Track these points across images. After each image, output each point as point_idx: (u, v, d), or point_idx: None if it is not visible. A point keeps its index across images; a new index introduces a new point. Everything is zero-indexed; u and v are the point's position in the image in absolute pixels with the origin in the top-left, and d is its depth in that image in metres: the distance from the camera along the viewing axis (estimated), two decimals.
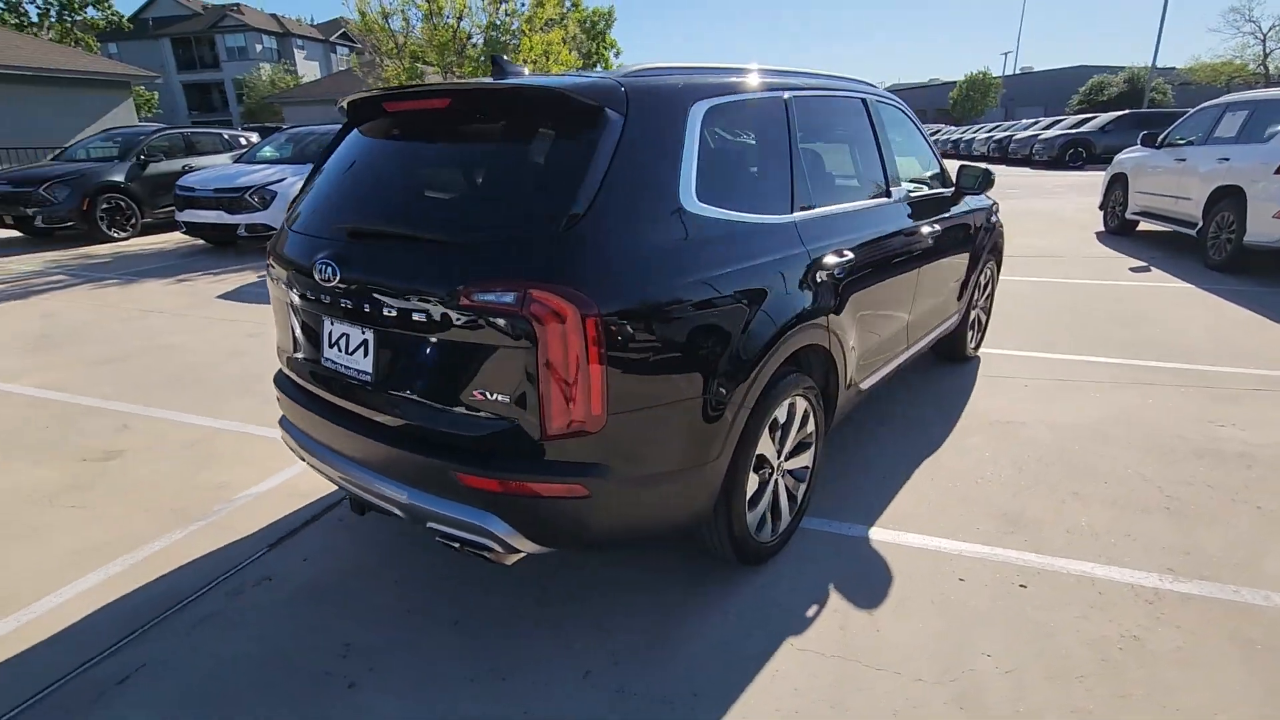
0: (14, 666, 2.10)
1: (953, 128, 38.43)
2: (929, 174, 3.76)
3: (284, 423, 2.45)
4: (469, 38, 11.93)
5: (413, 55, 11.98)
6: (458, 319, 1.77)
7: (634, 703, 1.93)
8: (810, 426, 2.60)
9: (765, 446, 2.32)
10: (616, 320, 1.75)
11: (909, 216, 3.21)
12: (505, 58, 2.65)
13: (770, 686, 1.98)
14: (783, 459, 2.49)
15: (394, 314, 1.87)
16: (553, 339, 1.70)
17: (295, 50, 54.33)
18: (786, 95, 2.54)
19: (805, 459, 2.64)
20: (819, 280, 2.43)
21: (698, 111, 2.10)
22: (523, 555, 1.94)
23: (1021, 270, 7.38)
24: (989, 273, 4.56)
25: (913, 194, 3.41)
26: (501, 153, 2.00)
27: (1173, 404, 3.88)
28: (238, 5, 52.29)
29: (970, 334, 4.50)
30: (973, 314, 4.43)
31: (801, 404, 2.49)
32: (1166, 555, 2.53)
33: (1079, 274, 7.18)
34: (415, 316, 1.83)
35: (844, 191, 2.90)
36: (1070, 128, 22.75)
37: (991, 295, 4.76)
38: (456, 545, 1.94)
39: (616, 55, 26.60)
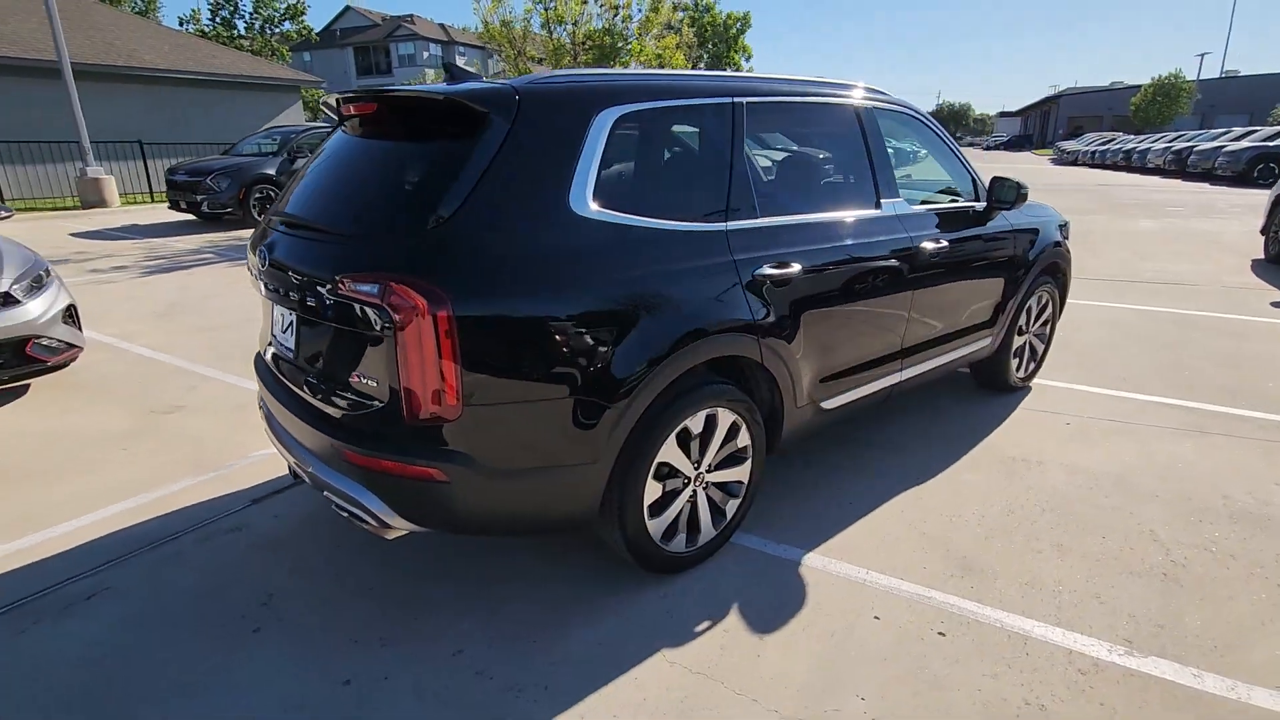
0: (15, 574, 2.53)
1: (1129, 137, 34.59)
2: (952, 187, 3.51)
3: (260, 401, 2.75)
4: (583, 43, 12.37)
5: (531, 60, 12.62)
6: (339, 306, 1.93)
7: (487, 685, 2.00)
8: (744, 441, 2.54)
9: (671, 455, 2.30)
10: (474, 317, 1.84)
11: (905, 231, 3.01)
12: (472, 64, 2.79)
13: (620, 693, 1.98)
14: (704, 470, 2.46)
15: (301, 298, 2.07)
16: (409, 330, 1.81)
17: (457, 56, 58.49)
18: (737, 101, 2.50)
19: (739, 473, 2.58)
20: (751, 291, 2.37)
21: (606, 118, 2.12)
22: (403, 532, 2.08)
23: (1138, 297, 6.61)
24: (1044, 297, 4.15)
25: (917, 207, 3.20)
26: (402, 154, 2.13)
27: (1236, 459, 3.35)
28: (411, 16, 57.11)
29: (1016, 362, 4.12)
30: (1018, 340, 4.05)
31: (727, 416, 2.44)
32: (1131, 625, 2.23)
33: (1207, 306, 6.31)
34: (310, 301, 2.01)
35: (809, 202, 2.79)
36: (1264, 139, 19.78)
37: (1051, 322, 4.33)
38: (346, 515, 2.11)
39: (748, 60, 26.41)
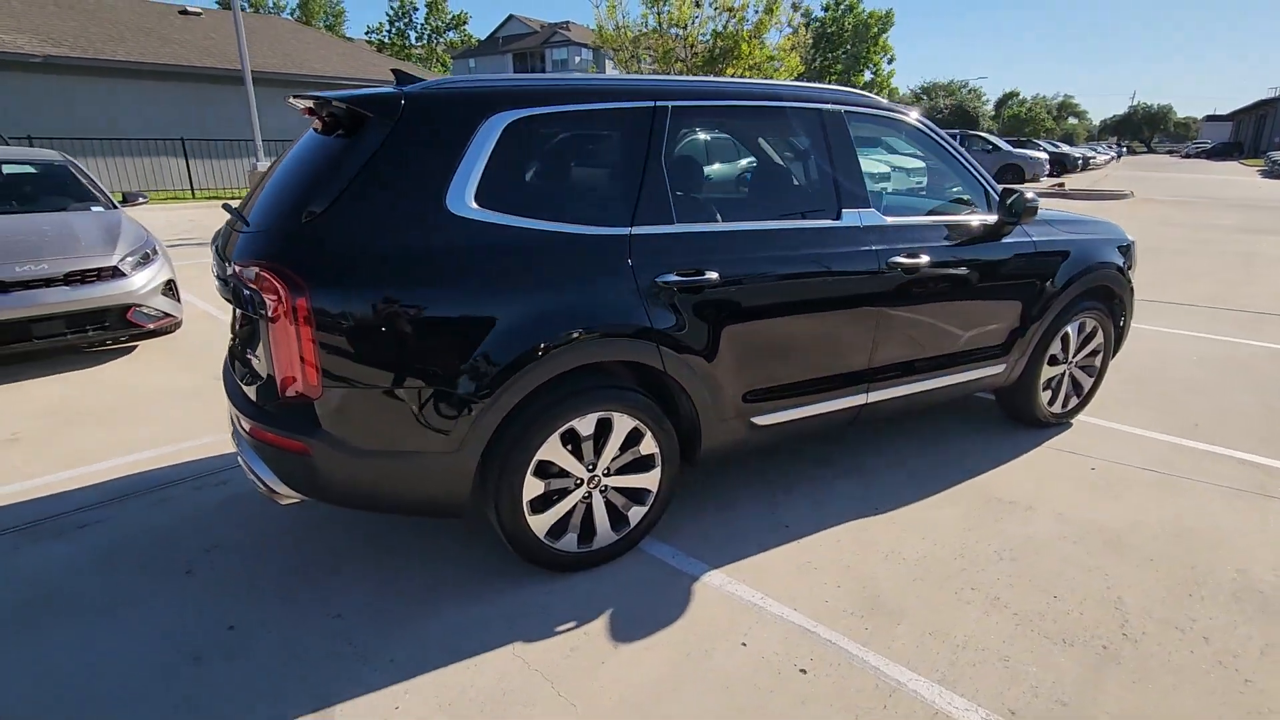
0: (39, 501, 3.03)
1: None
2: (953, 199, 3.22)
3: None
4: (692, 46, 12.41)
5: (644, 63, 12.85)
6: (237, 292, 2.15)
7: (343, 650, 2.15)
8: (649, 448, 2.51)
9: (555, 454, 2.34)
10: (333, 305, 1.99)
11: (873, 244, 2.82)
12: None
13: (452, 676, 2.05)
14: (600, 474, 2.46)
15: (226, 286, 2.32)
16: (274, 314, 2.00)
17: (606, 61, 60.59)
18: (660, 105, 2.46)
19: (645, 480, 2.56)
20: (651, 298, 2.35)
21: (497, 122, 2.19)
22: (295, 498, 2.27)
23: (1248, 330, 5.66)
24: (1090, 325, 3.68)
25: (898, 219, 2.97)
26: (312, 154, 2.30)
27: (1276, 528, 2.82)
28: (566, 24, 59.74)
29: (1049, 395, 3.69)
30: (1050, 371, 3.63)
31: (625, 420, 2.43)
32: (1026, 697, 1.97)
33: None
34: (231, 288, 2.25)
35: (743, 210, 2.69)
36: None
37: (1103, 353, 3.83)
38: (250, 480, 2.34)
39: (890, 61, 25.08)
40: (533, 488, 2.33)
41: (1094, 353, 3.82)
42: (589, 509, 2.50)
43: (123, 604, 2.36)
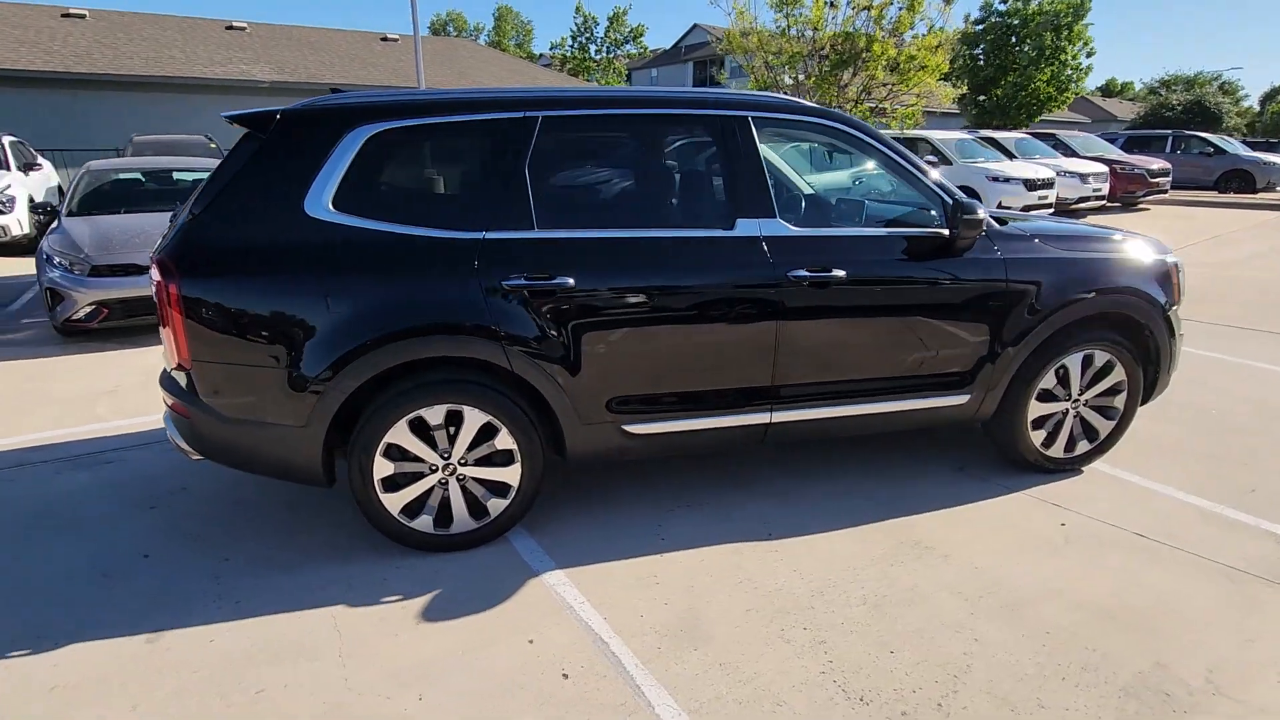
0: (95, 439, 3.77)
1: None
2: (887, 208, 2.94)
3: None
4: (821, 49, 11.92)
5: (770, 66, 12.60)
6: None
7: (206, 589, 2.50)
8: (505, 444, 2.62)
9: (404, 439, 2.52)
10: (199, 292, 2.34)
11: (771, 256, 2.68)
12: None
13: (270, 625, 2.31)
14: (455, 463, 2.61)
15: None
16: (159, 296, 2.39)
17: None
18: (531, 115, 2.55)
19: (505, 475, 2.67)
20: (499, 300, 2.46)
21: (361, 134, 2.43)
22: (197, 456, 2.67)
23: None
24: (1103, 359, 3.16)
25: (811, 230, 2.79)
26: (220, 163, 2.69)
27: (1265, 624, 2.26)
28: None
29: (1042, 435, 3.22)
30: (1044, 408, 3.17)
31: (477, 415, 2.56)
32: None
33: None
34: None
35: (615, 218, 2.67)
36: None
37: (1127, 392, 3.25)
38: (169, 436, 2.77)
39: (1089, 56, 22.10)
40: (383, 468, 2.54)
41: (1111, 392, 3.26)
42: (446, 495, 2.66)
43: (89, 524, 2.92)
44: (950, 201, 2.89)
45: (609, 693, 2.01)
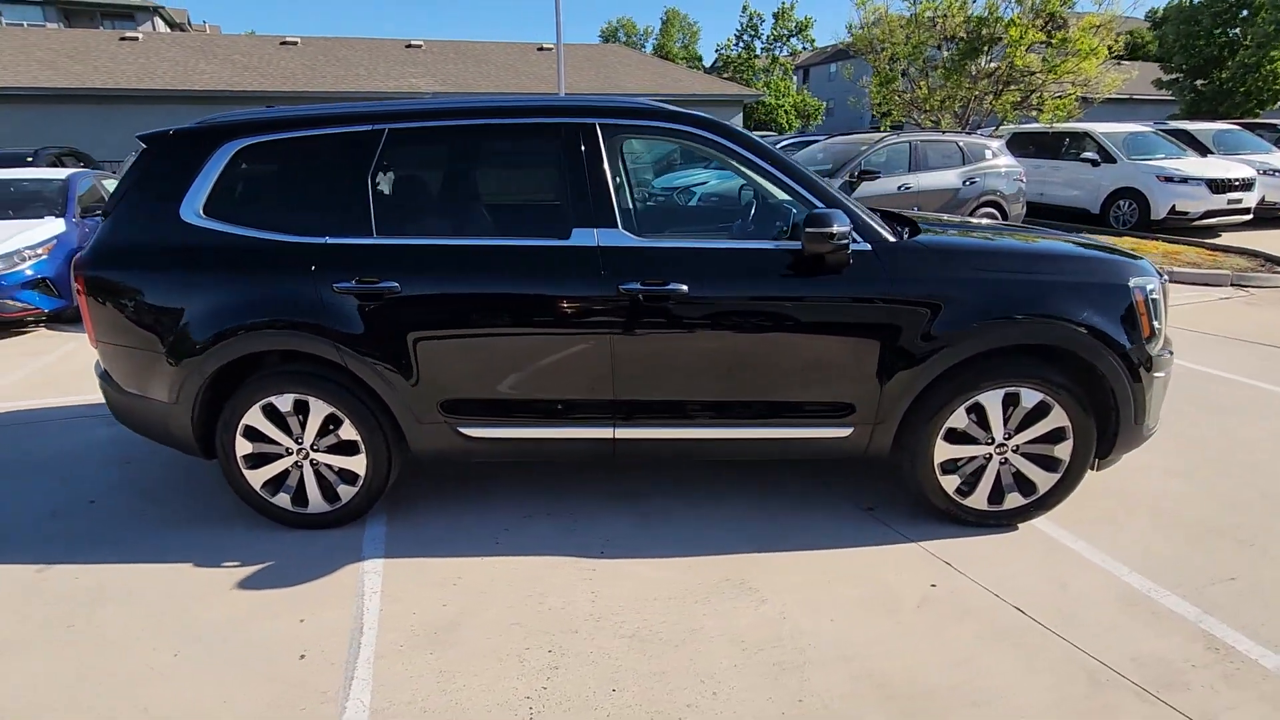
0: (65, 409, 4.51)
1: None
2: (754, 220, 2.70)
3: None
4: (952, 35, 10.77)
5: (891, 60, 11.64)
6: None
7: (108, 537, 2.95)
8: (349, 434, 2.80)
9: (258, 422, 2.79)
10: (95, 284, 2.77)
11: (604, 267, 2.61)
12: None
13: (119, 571, 2.68)
14: (307, 447, 2.84)
15: None
16: (75, 286, 2.86)
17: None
18: (378, 128, 2.70)
19: (352, 463, 2.85)
20: (332, 301, 2.64)
21: (229, 148, 2.72)
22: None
23: None
24: (1033, 400, 2.69)
25: (653, 241, 2.67)
26: None
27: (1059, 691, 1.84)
28: None
29: (954, 481, 2.81)
30: (959, 451, 2.76)
31: (321, 405, 2.76)
32: None
33: None
34: None
35: (460, 225, 2.72)
36: None
37: (1073, 443, 2.73)
38: None
39: None
40: (243, 446, 2.83)
41: (1050, 439, 2.76)
42: (301, 477, 2.90)
43: (70, 469, 3.53)
44: (800, 212, 2.62)
45: (324, 680, 2.12)
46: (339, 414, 2.78)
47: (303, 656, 2.22)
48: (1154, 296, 2.74)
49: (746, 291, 2.65)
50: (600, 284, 2.61)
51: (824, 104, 39.71)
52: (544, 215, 2.74)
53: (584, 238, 2.65)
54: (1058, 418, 2.72)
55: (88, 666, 2.19)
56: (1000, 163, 9.29)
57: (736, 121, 21.76)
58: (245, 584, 2.60)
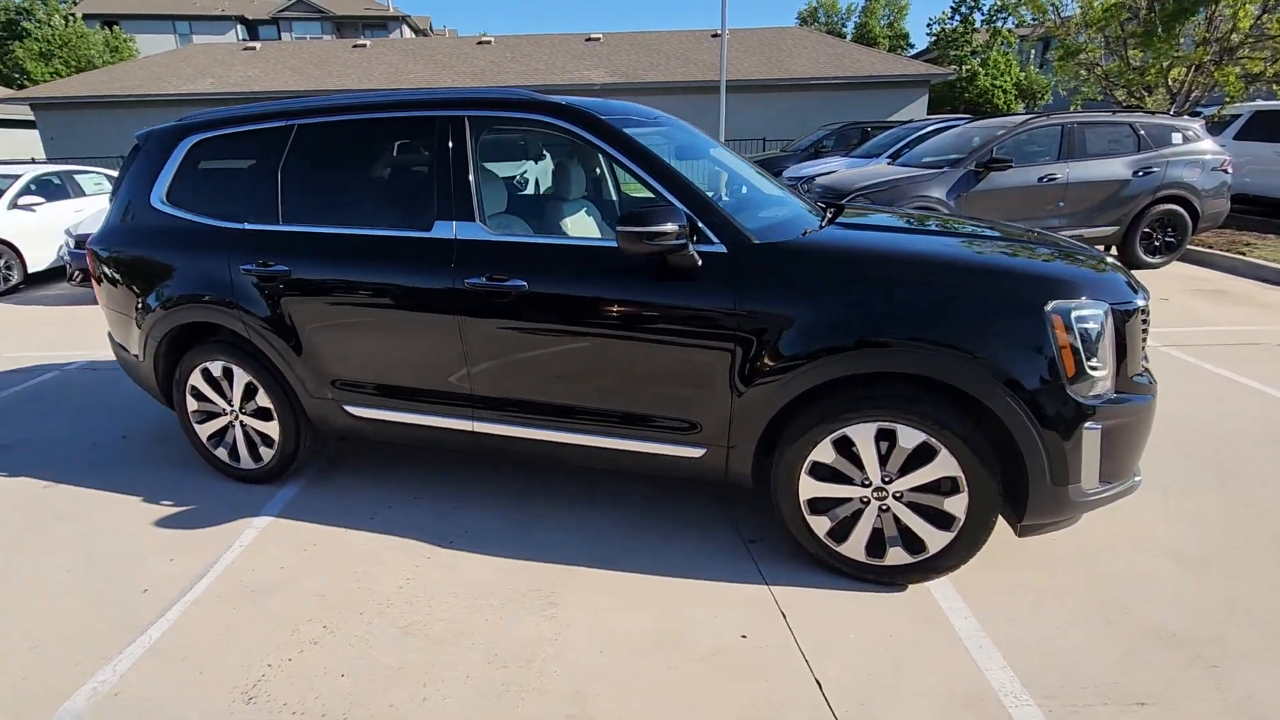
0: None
1: None
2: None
3: None
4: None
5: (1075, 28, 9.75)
6: None
7: (118, 482, 3.57)
8: (265, 402, 3.12)
9: (200, 384, 3.20)
10: (98, 259, 3.34)
11: (457, 260, 2.62)
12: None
13: (89, 496, 3.24)
14: (237, 409, 3.20)
15: None
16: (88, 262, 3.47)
17: None
18: (291, 124, 2.93)
19: (269, 429, 3.17)
20: (241, 280, 2.95)
21: (186, 143, 3.12)
22: None
23: None
24: (917, 440, 2.25)
25: (513, 236, 2.61)
26: None
27: None
28: None
29: (838, 529, 2.44)
30: (846, 494, 2.39)
31: (243, 375, 3.10)
32: None
33: None
34: None
35: (348, 215, 2.84)
36: None
37: (970, 496, 2.25)
38: None
39: None
40: (190, 403, 3.27)
41: (940, 490, 2.29)
42: (234, 434, 3.27)
43: (125, 410, 4.29)
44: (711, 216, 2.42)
45: (142, 614, 2.41)
46: (255, 383, 3.10)
47: (145, 591, 2.54)
48: (1087, 326, 2.14)
49: (583, 290, 2.50)
50: (450, 277, 2.63)
51: (1051, 80, 34.76)
52: (415, 207, 2.79)
53: (443, 230, 2.68)
54: (946, 465, 2.24)
55: None
56: (1194, 149, 7.56)
57: (921, 105, 19.91)
58: (160, 523, 3.02)
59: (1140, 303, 2.32)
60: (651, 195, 2.51)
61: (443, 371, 2.76)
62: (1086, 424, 2.15)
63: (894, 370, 2.24)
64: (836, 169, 10.00)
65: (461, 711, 1.96)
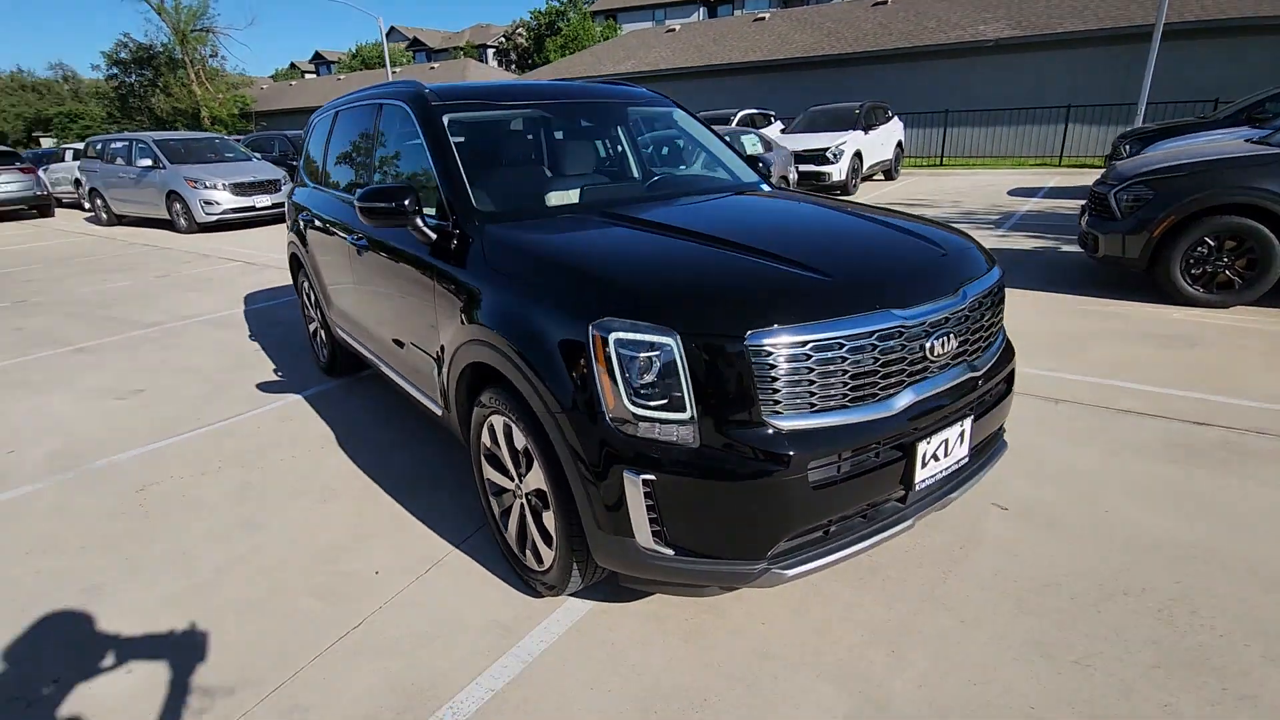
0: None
1: None
2: None
3: None
4: None
5: None
6: None
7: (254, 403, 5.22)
8: None
9: None
10: None
11: (357, 215, 3.08)
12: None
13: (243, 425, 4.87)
14: None
15: None
16: None
17: None
18: (337, 109, 3.82)
19: None
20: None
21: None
22: None
23: None
24: (520, 443, 2.14)
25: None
26: None
27: None
28: None
29: (517, 527, 2.37)
30: (513, 489, 2.32)
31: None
32: None
33: None
34: None
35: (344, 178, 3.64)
36: None
37: (554, 509, 2.06)
38: None
39: None
40: None
41: (538, 497, 2.13)
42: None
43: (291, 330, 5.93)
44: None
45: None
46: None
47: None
48: (640, 354, 1.71)
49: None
50: (356, 227, 3.24)
51: None
52: (365, 176, 3.34)
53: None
54: (538, 471, 2.07)
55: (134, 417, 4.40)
56: None
57: None
58: (267, 401, 4.41)
59: None
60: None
61: (364, 304, 3.46)
62: (642, 473, 1.74)
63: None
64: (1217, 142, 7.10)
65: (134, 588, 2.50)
